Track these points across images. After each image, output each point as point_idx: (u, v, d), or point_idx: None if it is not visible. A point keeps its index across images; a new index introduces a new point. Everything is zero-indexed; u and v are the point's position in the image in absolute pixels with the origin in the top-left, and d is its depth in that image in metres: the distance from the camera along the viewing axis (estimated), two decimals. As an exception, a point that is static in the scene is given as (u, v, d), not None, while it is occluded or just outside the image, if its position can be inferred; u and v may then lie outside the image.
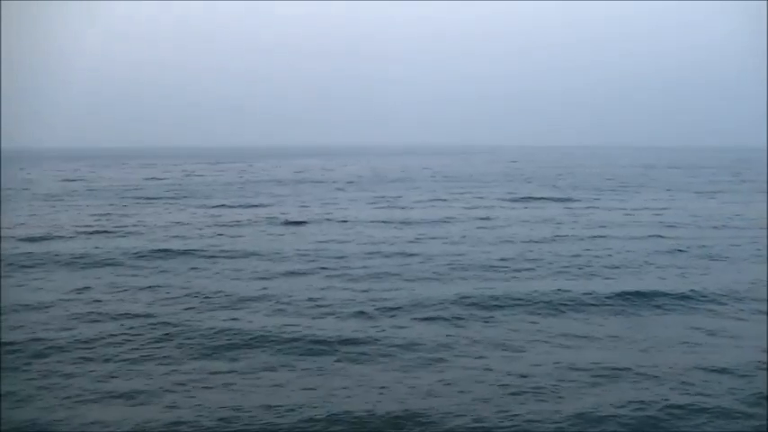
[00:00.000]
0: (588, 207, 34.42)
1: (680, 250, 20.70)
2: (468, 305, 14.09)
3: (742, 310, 13.98)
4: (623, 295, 14.76)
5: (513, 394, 9.52)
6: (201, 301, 14.60)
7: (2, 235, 24.11)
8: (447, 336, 12.14)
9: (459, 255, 19.98)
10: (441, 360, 10.93)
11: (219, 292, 15.40)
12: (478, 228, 26.30)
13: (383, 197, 40.60)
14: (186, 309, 14.03)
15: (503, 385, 9.82)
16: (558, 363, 10.72)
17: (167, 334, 12.23)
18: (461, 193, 43.33)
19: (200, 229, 26.36)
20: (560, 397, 9.41)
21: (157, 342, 11.85)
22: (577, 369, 10.41)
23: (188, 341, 11.86)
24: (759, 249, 21.05)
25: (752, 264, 18.92)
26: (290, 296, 15.01)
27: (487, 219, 29.04)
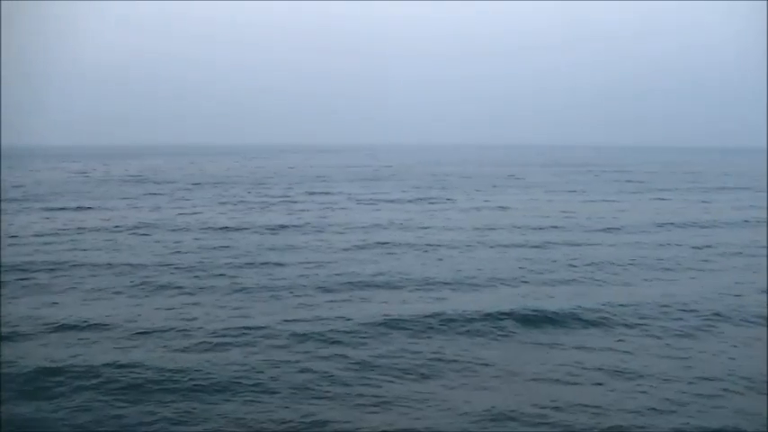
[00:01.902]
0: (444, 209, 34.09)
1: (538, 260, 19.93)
2: (328, 324, 12.95)
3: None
4: (493, 315, 13.47)
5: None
6: (30, 328, 12.74)
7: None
8: (293, 364, 11.00)
9: (310, 263, 18.85)
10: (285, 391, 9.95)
11: (54, 312, 13.71)
12: (335, 233, 24.99)
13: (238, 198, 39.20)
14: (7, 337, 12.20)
15: None
16: (422, 390, 9.87)
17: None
18: (323, 193, 42.62)
19: (37, 236, 23.89)
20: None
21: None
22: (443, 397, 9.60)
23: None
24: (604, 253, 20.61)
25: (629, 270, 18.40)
26: (138, 316, 13.60)
27: (347, 225, 27.33)
